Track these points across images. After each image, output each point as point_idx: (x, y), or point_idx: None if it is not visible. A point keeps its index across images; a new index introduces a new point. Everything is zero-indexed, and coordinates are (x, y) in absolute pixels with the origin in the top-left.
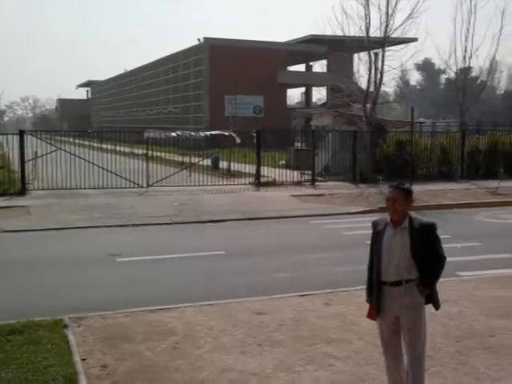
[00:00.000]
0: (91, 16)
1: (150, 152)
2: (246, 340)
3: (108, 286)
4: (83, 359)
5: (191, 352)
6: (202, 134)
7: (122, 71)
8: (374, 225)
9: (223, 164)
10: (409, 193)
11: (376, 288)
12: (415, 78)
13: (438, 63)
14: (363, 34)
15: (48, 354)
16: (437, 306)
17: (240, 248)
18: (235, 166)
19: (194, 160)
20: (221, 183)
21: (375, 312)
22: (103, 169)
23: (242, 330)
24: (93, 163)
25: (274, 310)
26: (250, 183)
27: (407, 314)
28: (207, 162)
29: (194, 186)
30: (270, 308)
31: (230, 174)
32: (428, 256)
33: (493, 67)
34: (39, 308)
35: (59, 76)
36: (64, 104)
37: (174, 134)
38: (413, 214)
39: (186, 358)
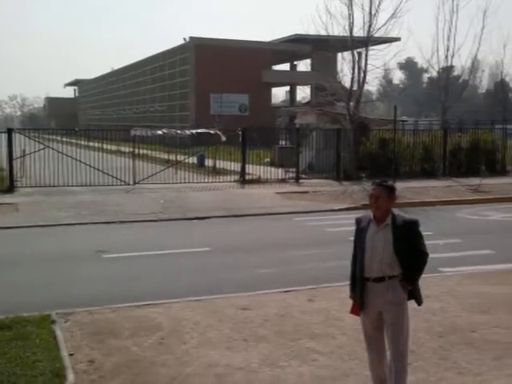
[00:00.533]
0: (79, 16)
1: (136, 150)
2: (232, 335)
3: (95, 282)
4: (71, 354)
5: (177, 347)
6: (187, 132)
7: (109, 70)
8: (358, 221)
9: (209, 162)
10: (392, 190)
11: (359, 284)
12: (398, 76)
13: (421, 62)
14: (347, 34)
15: (36, 349)
16: (419, 302)
17: (225, 245)
18: (221, 164)
19: (180, 158)
20: (206, 181)
21: (358, 308)
22: (90, 166)
23: (228, 325)
24: (80, 161)
25: (259, 306)
26: (235, 181)
27: (390, 309)
28: (193, 159)
29: (180, 183)
30: (255, 304)
31: (216, 171)
32: (411, 252)
33: (474, 66)
34: (26, 304)
35: (47, 75)
36: (52, 102)
37: (160, 132)
38: (396, 210)
39: (172, 353)
